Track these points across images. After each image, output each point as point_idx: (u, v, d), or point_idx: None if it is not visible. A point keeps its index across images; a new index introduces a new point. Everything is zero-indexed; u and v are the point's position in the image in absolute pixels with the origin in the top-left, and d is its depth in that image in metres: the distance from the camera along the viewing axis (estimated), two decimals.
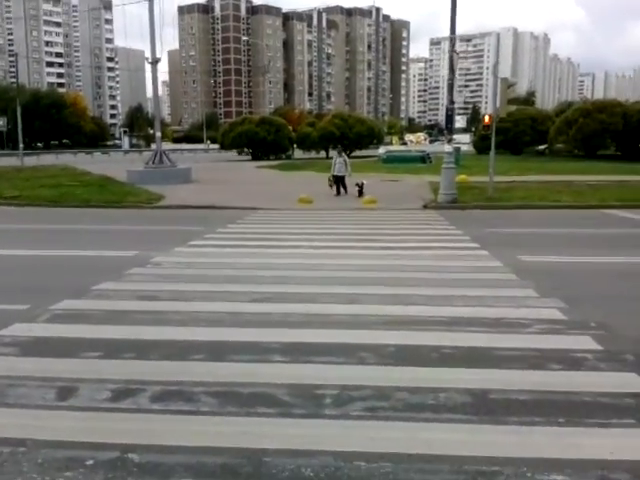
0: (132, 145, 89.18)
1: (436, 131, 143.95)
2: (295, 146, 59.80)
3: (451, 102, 19.14)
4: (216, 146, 66.77)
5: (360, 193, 20.13)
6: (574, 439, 3.65)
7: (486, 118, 20.24)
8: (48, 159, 57.82)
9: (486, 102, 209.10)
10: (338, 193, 20.80)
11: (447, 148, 19.72)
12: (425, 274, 8.53)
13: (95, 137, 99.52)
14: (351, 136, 57.26)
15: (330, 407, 4.11)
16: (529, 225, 14.51)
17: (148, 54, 27.90)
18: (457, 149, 41.94)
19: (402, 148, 64.82)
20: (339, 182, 20.76)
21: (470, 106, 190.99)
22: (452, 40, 17.71)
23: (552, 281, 8.11)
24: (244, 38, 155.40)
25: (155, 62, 26.84)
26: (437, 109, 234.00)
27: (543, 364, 4.93)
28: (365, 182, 20.71)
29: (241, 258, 9.95)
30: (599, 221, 15.16)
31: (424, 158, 44.05)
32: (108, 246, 11.09)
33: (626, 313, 6.56)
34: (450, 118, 18.94)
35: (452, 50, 18.01)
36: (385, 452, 3.47)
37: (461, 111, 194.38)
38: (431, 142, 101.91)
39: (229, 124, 58.21)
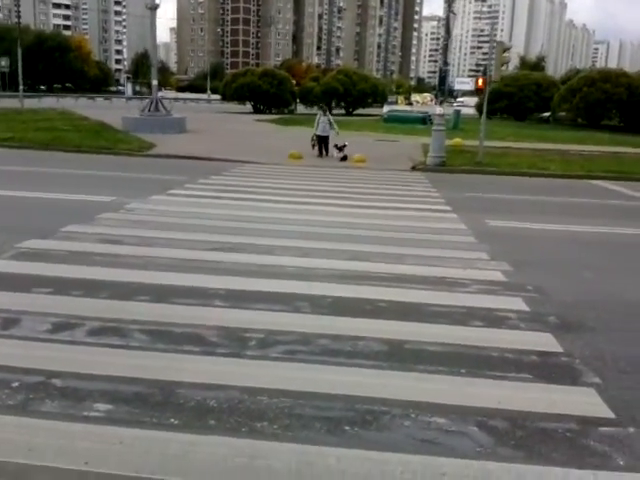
0: (135, 92, 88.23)
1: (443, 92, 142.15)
2: (298, 100, 59.34)
3: (445, 63, 19.14)
4: (217, 97, 66.20)
5: (343, 157, 19.30)
6: (468, 388, 3.93)
7: (479, 81, 20.10)
8: (49, 102, 57.48)
9: None
10: (320, 154, 20.08)
11: (438, 110, 19.79)
12: (386, 233, 8.76)
13: (99, 82, 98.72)
14: (354, 93, 56.91)
15: (252, 348, 4.40)
16: (510, 191, 14.68)
17: None
18: (457, 112, 41.92)
19: (406, 108, 64.27)
20: (322, 142, 19.95)
21: (482, 68, 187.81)
22: (449, 0, 17.52)
23: (509, 245, 8.36)
24: None
25: (154, 8, 26.57)
26: (448, 70, 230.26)
27: (466, 320, 5.20)
28: (347, 143, 19.67)
29: (214, 209, 10.18)
30: (580, 191, 15.32)
31: (425, 119, 43.76)
32: (88, 191, 11.29)
33: (567, 278, 6.82)
34: (443, 80, 18.95)
35: (449, 10, 17.84)
36: (288, 390, 3.76)
37: (472, 73, 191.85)
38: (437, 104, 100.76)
39: (231, 75, 57.74)
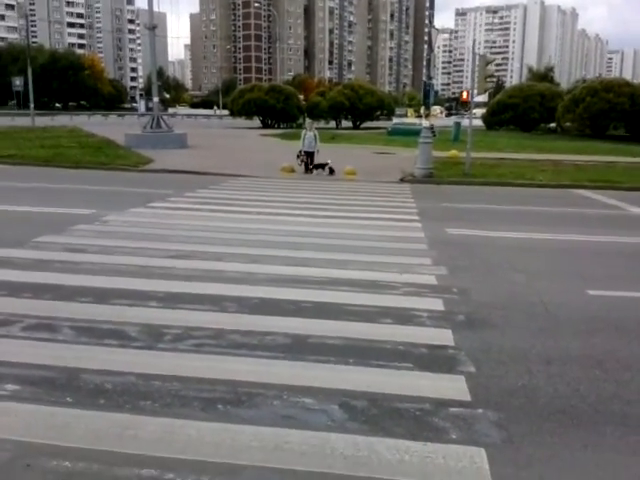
0: (148, 108, 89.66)
1: (455, 104, 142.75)
2: (305, 115, 60.05)
3: (429, 77, 19.55)
4: (225, 112, 67.16)
5: (330, 171, 19.49)
6: (346, 375, 4.37)
7: (464, 94, 20.54)
8: (62, 120, 58.76)
9: (511, 76, 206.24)
10: (306, 170, 19.92)
11: (424, 123, 20.26)
12: (341, 241, 9.21)
13: (113, 100, 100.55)
14: (361, 107, 57.53)
15: (165, 342, 4.87)
16: (486, 201, 15.07)
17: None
18: (457, 124, 42.28)
19: (414, 121, 64.74)
20: (309, 158, 19.89)
21: (494, 79, 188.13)
22: (430, 16, 18.01)
23: (456, 252, 8.77)
24: (264, 3, 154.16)
25: (151, 28, 27.36)
26: (461, 81, 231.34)
27: (377, 318, 5.64)
28: (329, 161, 19.71)
29: (185, 220, 10.70)
30: (559, 200, 15.68)
31: None
32: (70, 204, 11.88)
33: (496, 281, 7.23)
34: (428, 93, 19.33)
35: (431, 25, 18.34)
36: (181, 376, 4.23)
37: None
38: (447, 116, 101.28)
39: (239, 91, 58.67)
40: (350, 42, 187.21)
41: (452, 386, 4.26)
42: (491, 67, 19.91)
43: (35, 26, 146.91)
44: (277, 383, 4.18)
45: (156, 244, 8.55)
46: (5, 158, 21.21)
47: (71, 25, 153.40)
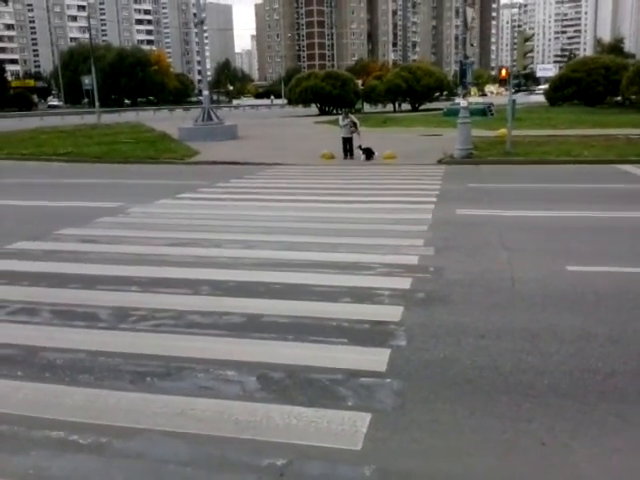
0: (212, 101, 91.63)
1: (524, 81, 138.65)
2: (362, 100, 60.01)
3: (465, 57, 19.32)
4: (280, 101, 67.82)
5: (368, 156, 19.47)
6: (276, 349, 4.69)
7: (502, 72, 20.18)
8: (128, 116, 61.05)
9: (584, 49, 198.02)
10: (345, 156, 20.08)
11: (462, 103, 20.05)
12: (343, 225, 9.47)
13: (179, 94, 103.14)
14: (418, 89, 56.96)
15: (128, 323, 5.31)
16: (520, 180, 14.88)
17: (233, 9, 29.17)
18: (513, 101, 41.20)
19: (476, 100, 63.49)
20: (347, 144, 20.08)
21: (567, 53, 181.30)
22: None
23: (453, 233, 8.88)
24: None
25: (200, 23, 28.08)
26: (532, 57, 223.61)
27: (338, 298, 5.91)
28: (361, 145, 19.69)
29: (204, 209, 11.24)
30: (596, 177, 15.30)
31: (485, 111, 43.38)
32: (102, 198, 12.61)
33: (478, 260, 7.33)
34: (465, 72, 19.13)
35: (464, 2, 18.13)
36: (126, 352, 4.66)
37: (557, 59, 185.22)
38: (513, 93, 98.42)
39: (296, 79, 59.14)
40: (414, 23, 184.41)
41: (374, 359, 4.50)
42: (529, 43, 19.43)
43: (105, 25, 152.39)
44: (210, 358, 4.53)
45: (165, 233, 9.06)
46: (62, 156, 22.44)
47: (139, 22, 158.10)
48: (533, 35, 22.90)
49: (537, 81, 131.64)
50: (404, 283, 6.38)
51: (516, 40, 18.92)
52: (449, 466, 3.22)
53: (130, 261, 7.44)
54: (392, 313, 5.45)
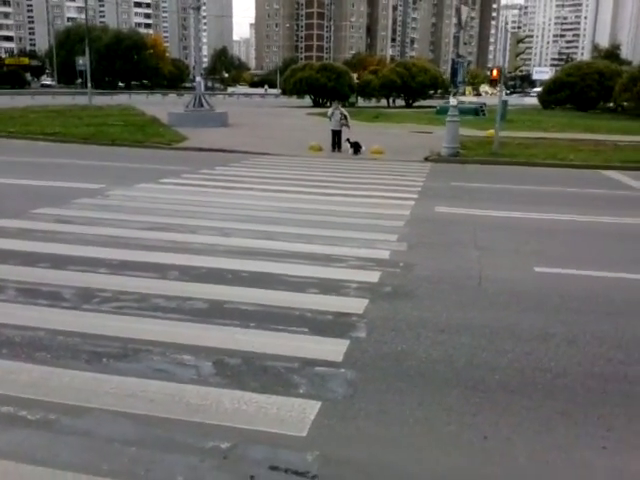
0: (207, 88, 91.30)
1: (520, 83, 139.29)
2: (356, 94, 59.96)
3: (458, 55, 19.39)
4: (275, 91, 67.68)
5: (356, 150, 19.46)
6: (236, 336, 4.72)
7: (494, 72, 20.26)
8: (121, 99, 60.70)
9: (582, 54, 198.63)
10: (334, 148, 20.11)
11: (452, 102, 20.11)
12: (323, 217, 9.49)
13: (174, 79, 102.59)
14: (413, 85, 57.03)
15: (92, 304, 5.32)
16: (503, 181, 14.97)
17: None
18: (505, 102, 41.35)
19: (470, 99, 63.67)
20: (335, 136, 20.09)
21: (564, 57, 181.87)
22: None
23: (428, 230, 8.95)
24: None
25: (196, 8, 27.94)
26: (529, 59, 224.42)
27: (305, 288, 5.95)
28: (349, 138, 19.72)
29: (185, 195, 11.19)
30: (578, 181, 15.44)
31: (477, 110, 43.50)
32: (84, 179, 12.56)
33: (448, 258, 7.39)
34: (456, 72, 19.18)
35: (460, 2, 18.16)
36: (86, 332, 4.67)
37: (554, 62, 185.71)
38: (508, 94, 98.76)
39: (291, 69, 59.04)
40: (414, 19, 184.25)
41: (331, 349, 4.54)
42: (522, 45, 19.50)
43: (103, 6, 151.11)
44: (169, 342, 4.56)
45: (141, 217, 9.06)
46: (50, 135, 22.32)
47: (137, 5, 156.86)
48: (526, 37, 22.98)
49: (533, 84, 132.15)
50: (372, 277, 6.43)
51: (509, 41, 18.94)
52: (389, 455, 3.27)
53: (103, 243, 7.44)
54: (356, 305, 5.49)
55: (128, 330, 4.75)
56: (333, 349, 4.55)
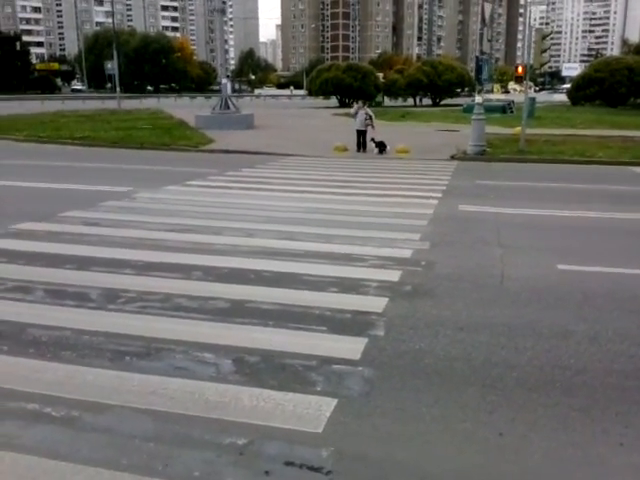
0: (234, 90, 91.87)
1: (548, 80, 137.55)
2: (382, 93, 59.80)
3: (481, 52, 19.28)
4: (301, 92, 67.85)
5: (381, 150, 19.45)
6: (254, 334, 4.78)
7: (519, 69, 20.07)
8: (149, 103, 61.39)
9: (612, 49, 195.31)
10: (359, 149, 20.08)
11: (477, 99, 19.99)
12: (346, 217, 9.52)
13: (202, 82, 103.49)
14: (440, 84, 56.73)
15: (117, 304, 5.44)
16: (529, 179, 14.82)
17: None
18: (532, 99, 40.91)
19: (498, 97, 63.19)
20: (360, 136, 20.02)
21: (593, 53, 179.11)
22: None
23: (452, 228, 8.92)
24: None
25: (221, 11, 28.16)
26: (558, 55, 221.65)
27: (325, 288, 5.99)
28: (373, 138, 19.73)
29: (210, 197, 11.34)
30: (609, 178, 15.24)
31: (505, 108, 43.07)
32: (112, 182, 12.77)
33: (470, 256, 7.37)
34: (480, 69, 19.05)
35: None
36: (110, 332, 4.78)
37: (584, 58, 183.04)
38: (537, 91, 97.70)
39: (317, 70, 59.13)
40: (440, 17, 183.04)
41: (349, 347, 4.58)
42: (547, 41, 19.28)
43: (130, 10, 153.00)
44: (190, 341, 4.65)
45: (167, 219, 9.18)
46: (79, 140, 22.73)
47: (164, 8, 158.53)
48: (551, 33, 22.70)
49: (563, 80, 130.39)
50: (393, 275, 6.45)
51: (534, 38, 18.75)
52: (404, 452, 3.30)
53: (128, 245, 7.57)
54: (376, 304, 5.52)
55: (151, 329, 4.84)
56: (351, 347, 4.58)
